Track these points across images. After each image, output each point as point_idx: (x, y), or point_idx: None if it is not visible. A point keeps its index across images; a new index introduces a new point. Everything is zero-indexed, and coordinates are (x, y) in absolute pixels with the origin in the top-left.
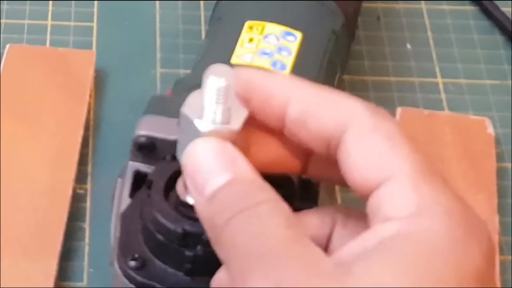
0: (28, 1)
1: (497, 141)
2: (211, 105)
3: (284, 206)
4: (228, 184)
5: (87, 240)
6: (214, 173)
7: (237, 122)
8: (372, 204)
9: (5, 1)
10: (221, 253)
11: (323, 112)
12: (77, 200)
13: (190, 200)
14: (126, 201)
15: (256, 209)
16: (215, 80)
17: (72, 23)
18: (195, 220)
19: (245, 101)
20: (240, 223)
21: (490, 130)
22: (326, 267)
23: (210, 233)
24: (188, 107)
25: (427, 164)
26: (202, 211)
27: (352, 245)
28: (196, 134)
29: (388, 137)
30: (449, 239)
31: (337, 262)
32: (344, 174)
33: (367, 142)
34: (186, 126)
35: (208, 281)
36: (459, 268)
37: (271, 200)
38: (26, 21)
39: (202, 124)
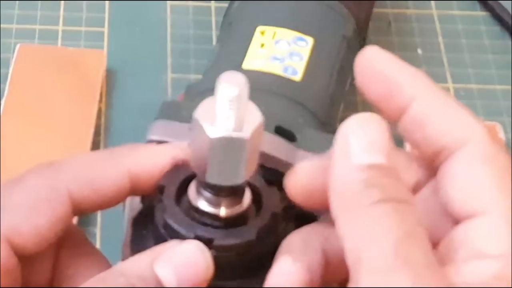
0: (39, 6)
1: (508, 146)
2: (223, 112)
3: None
4: (381, 166)
5: (98, 245)
6: (371, 150)
7: (249, 129)
8: (461, 232)
9: (17, 6)
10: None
11: (446, 121)
12: None
13: (201, 205)
14: (137, 206)
15: (404, 204)
16: (227, 87)
17: (83, 28)
18: (207, 225)
19: (365, 80)
20: (387, 211)
21: (501, 135)
22: None
23: (344, 204)
24: (201, 113)
25: None
26: (343, 177)
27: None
28: (207, 140)
29: (499, 170)
30: None
31: None
32: (443, 187)
33: (478, 169)
34: (198, 132)
35: (220, 285)
36: None
37: (413, 202)
38: (37, 26)
39: (214, 131)
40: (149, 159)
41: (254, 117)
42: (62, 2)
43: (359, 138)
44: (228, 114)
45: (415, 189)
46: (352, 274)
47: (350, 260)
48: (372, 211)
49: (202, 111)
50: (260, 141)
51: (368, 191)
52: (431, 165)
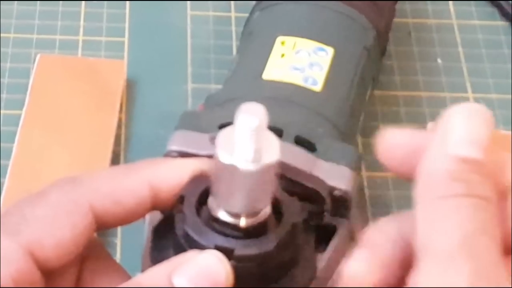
0: (60, 17)
1: None
2: (243, 143)
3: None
4: (476, 161)
5: (118, 255)
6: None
7: (268, 158)
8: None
9: (37, 16)
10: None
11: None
12: None
13: (221, 215)
14: (157, 215)
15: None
16: (247, 118)
17: (103, 38)
18: (226, 235)
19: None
20: (466, 208)
21: None
22: None
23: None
24: (221, 144)
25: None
26: (437, 147)
27: None
28: (230, 170)
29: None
30: None
31: None
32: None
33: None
34: (219, 164)
35: None
36: None
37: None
38: (58, 37)
39: (233, 161)
40: (170, 173)
41: (271, 148)
42: (83, 12)
43: (460, 128)
44: (248, 145)
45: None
46: (417, 260)
47: (418, 246)
48: (450, 203)
49: (222, 142)
50: (276, 170)
51: (454, 184)
52: None
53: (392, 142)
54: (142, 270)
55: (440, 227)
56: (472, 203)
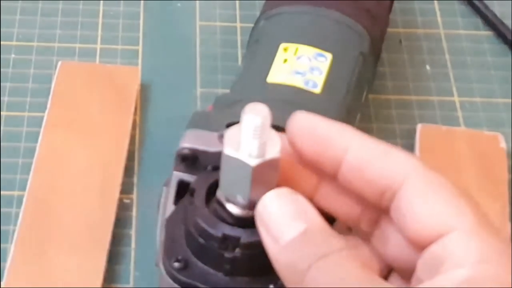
0: (79, 27)
1: (509, 155)
2: (247, 140)
3: (351, 252)
4: (304, 233)
5: (133, 245)
6: (288, 223)
7: (272, 154)
8: (434, 252)
9: (58, 26)
10: None
11: (380, 163)
12: (124, 209)
13: (229, 206)
14: (170, 207)
15: (334, 255)
16: (252, 117)
17: (119, 47)
18: (233, 225)
19: (299, 142)
20: (323, 269)
21: (503, 144)
22: None
23: (290, 278)
24: (228, 141)
25: (482, 215)
26: (279, 258)
27: None
28: (236, 165)
29: (446, 191)
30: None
31: None
32: (402, 223)
33: (428, 196)
34: (226, 159)
35: (246, 281)
36: None
37: (345, 247)
38: (77, 45)
39: (239, 156)
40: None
41: (274, 144)
42: (100, 23)
43: (268, 224)
44: (253, 142)
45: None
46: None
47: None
48: (309, 280)
49: (229, 139)
50: (278, 165)
51: (299, 266)
52: (378, 206)
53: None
54: (156, 257)
55: None
56: (325, 266)
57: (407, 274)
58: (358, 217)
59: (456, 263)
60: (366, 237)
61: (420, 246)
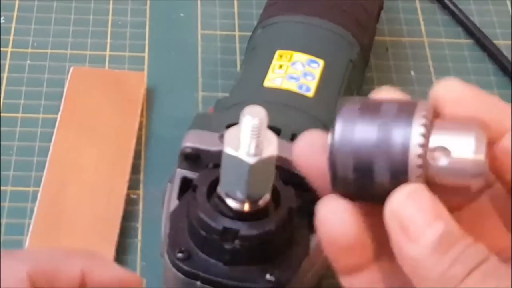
0: (90, 35)
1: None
2: (246, 140)
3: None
4: (447, 233)
5: (139, 237)
6: (429, 222)
7: (268, 152)
8: None
9: (70, 35)
10: None
11: None
12: (131, 204)
13: (229, 201)
14: (174, 202)
15: (489, 262)
16: (250, 119)
17: (126, 53)
18: (233, 218)
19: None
20: (482, 276)
21: None
22: None
23: (439, 281)
24: (227, 140)
25: None
26: (423, 260)
27: None
28: (235, 162)
29: None
30: None
31: None
32: None
33: None
34: (226, 157)
35: (244, 270)
36: None
37: (490, 254)
38: (88, 52)
39: (238, 155)
40: (103, 271)
41: (269, 143)
42: (109, 31)
43: (406, 221)
44: (251, 141)
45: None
46: None
47: None
48: (468, 285)
49: (229, 139)
50: (274, 163)
51: (452, 271)
52: None
53: (310, 143)
54: (161, 248)
55: None
56: (481, 278)
57: None
58: None
59: None
60: None
61: None
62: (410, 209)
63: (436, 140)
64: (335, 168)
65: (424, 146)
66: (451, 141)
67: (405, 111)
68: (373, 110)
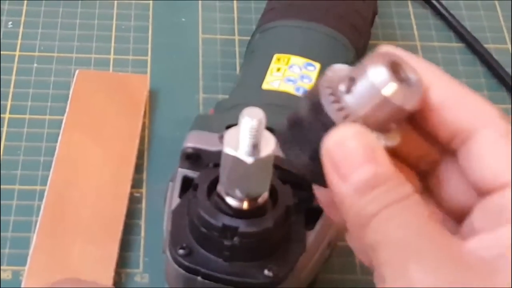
0: (94, 39)
1: None
2: (245, 140)
3: (420, 198)
4: (375, 175)
5: (142, 234)
6: (361, 163)
7: (266, 152)
8: (496, 201)
9: (76, 39)
10: (366, 237)
11: (462, 105)
12: (134, 202)
13: (228, 199)
14: (176, 200)
15: (404, 202)
16: (248, 120)
17: (130, 57)
18: (232, 216)
19: None
20: (392, 214)
21: None
22: (474, 263)
23: (354, 221)
24: (227, 141)
25: None
26: (345, 198)
27: (488, 241)
28: (235, 162)
29: None
30: None
31: (480, 257)
32: (468, 167)
33: (502, 146)
34: (226, 157)
35: (243, 266)
36: None
37: (413, 193)
38: (93, 55)
39: (237, 155)
40: None
41: (267, 142)
42: (113, 36)
43: (338, 161)
44: (249, 141)
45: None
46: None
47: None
48: (376, 224)
49: (228, 139)
50: (272, 162)
51: (367, 209)
52: (447, 147)
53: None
54: (163, 245)
55: (385, 245)
56: (395, 211)
57: (458, 217)
58: (421, 155)
59: (508, 218)
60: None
61: (482, 193)
62: (341, 151)
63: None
64: None
65: (332, 81)
66: (355, 71)
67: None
68: None
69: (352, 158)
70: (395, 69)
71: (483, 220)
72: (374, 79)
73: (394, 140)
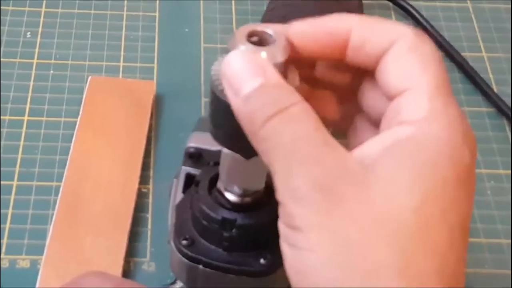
0: (105, 48)
1: None
2: None
3: (310, 108)
4: (261, 86)
5: (149, 226)
6: (249, 77)
7: None
8: (392, 108)
9: (89, 48)
10: (259, 146)
11: (378, 35)
12: (142, 196)
13: (227, 194)
14: (180, 195)
15: (290, 110)
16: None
17: (138, 64)
18: (230, 209)
19: (300, 45)
20: (278, 122)
21: None
22: (353, 167)
23: (248, 129)
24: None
25: (445, 83)
26: (239, 110)
27: (373, 145)
28: (233, 161)
29: (422, 56)
30: (450, 144)
31: (361, 161)
32: (379, 81)
33: (403, 57)
34: (225, 156)
35: (241, 255)
36: (457, 167)
37: (300, 102)
38: (104, 63)
39: (235, 154)
40: None
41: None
42: (123, 45)
43: (230, 79)
44: None
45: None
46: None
47: (279, 186)
48: (265, 132)
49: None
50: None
51: (257, 118)
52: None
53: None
54: (168, 236)
55: (274, 154)
56: (282, 119)
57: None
58: (347, 82)
59: (401, 120)
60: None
61: (390, 99)
62: (231, 70)
63: None
64: None
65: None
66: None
67: None
68: None
69: (242, 74)
70: (252, 35)
71: (384, 125)
72: (232, 50)
73: (294, 81)
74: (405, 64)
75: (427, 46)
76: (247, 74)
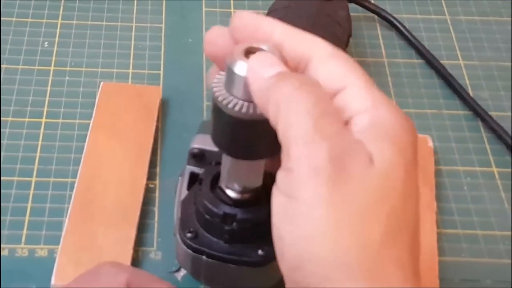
0: (116, 56)
1: (435, 151)
2: None
3: (321, 87)
4: (281, 71)
5: (156, 218)
6: (270, 66)
7: None
8: (336, 104)
9: (101, 56)
10: (273, 115)
11: (296, 41)
12: (149, 191)
13: (228, 192)
14: (184, 192)
15: (308, 84)
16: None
17: (146, 71)
18: (231, 205)
19: (239, 31)
20: (296, 92)
21: (430, 144)
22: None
23: (267, 99)
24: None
25: (371, 80)
26: (259, 89)
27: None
28: (233, 160)
29: (344, 60)
30: (398, 124)
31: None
32: None
33: (329, 63)
34: (225, 157)
35: (241, 247)
36: (404, 142)
37: (317, 81)
38: (115, 70)
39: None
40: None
41: None
42: (132, 53)
43: (255, 68)
44: None
45: None
46: (284, 149)
47: (282, 138)
48: (291, 98)
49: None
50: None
51: (284, 83)
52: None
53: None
54: (174, 229)
55: (294, 118)
56: (307, 91)
57: None
58: None
59: (356, 111)
60: None
61: None
62: (259, 60)
63: None
64: None
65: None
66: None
67: None
68: None
69: (264, 64)
70: (249, 52)
71: None
72: (233, 68)
73: None
74: (332, 67)
75: (344, 53)
76: (268, 65)
